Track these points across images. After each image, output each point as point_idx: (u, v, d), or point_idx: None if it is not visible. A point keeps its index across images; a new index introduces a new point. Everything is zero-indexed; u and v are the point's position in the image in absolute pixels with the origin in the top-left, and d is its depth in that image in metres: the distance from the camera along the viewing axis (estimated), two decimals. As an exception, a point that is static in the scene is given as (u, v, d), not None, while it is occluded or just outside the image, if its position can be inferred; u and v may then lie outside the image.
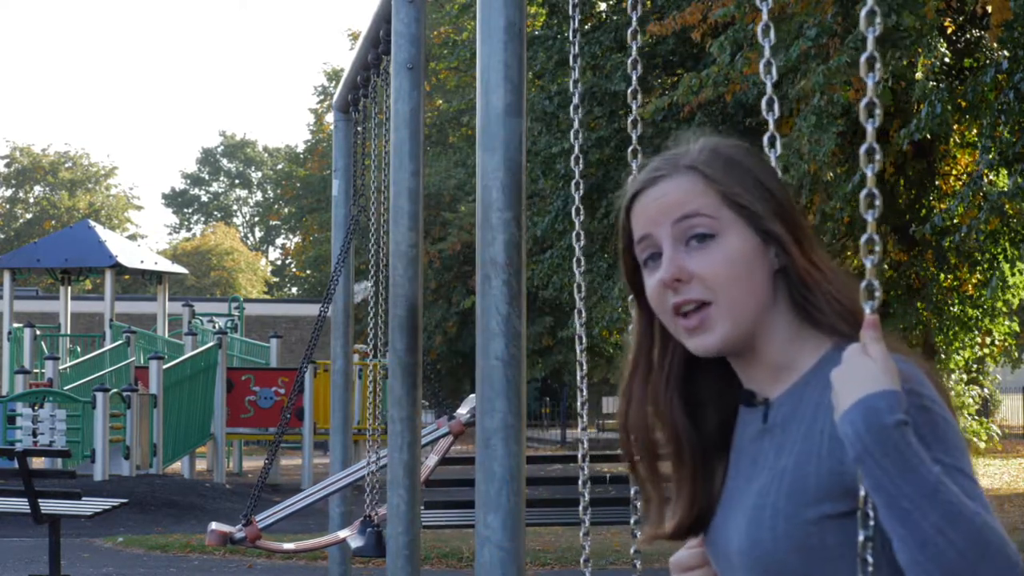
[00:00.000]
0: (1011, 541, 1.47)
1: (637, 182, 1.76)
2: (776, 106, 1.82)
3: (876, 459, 1.46)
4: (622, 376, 1.82)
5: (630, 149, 2.21)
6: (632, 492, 2.37)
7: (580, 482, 2.93)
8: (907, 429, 1.47)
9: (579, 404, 2.84)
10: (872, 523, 1.53)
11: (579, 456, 2.93)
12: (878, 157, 1.56)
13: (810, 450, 1.62)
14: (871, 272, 1.55)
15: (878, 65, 1.57)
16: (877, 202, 1.56)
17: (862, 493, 1.53)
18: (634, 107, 2.28)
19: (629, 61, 2.23)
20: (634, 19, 2.19)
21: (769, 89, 1.84)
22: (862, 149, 1.57)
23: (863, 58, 1.57)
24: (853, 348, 1.55)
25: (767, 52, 1.83)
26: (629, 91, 2.24)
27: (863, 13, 1.58)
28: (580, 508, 2.89)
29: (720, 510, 1.75)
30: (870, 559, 1.53)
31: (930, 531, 1.44)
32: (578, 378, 2.80)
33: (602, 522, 8.59)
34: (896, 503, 1.45)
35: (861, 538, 1.52)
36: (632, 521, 2.34)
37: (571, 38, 2.73)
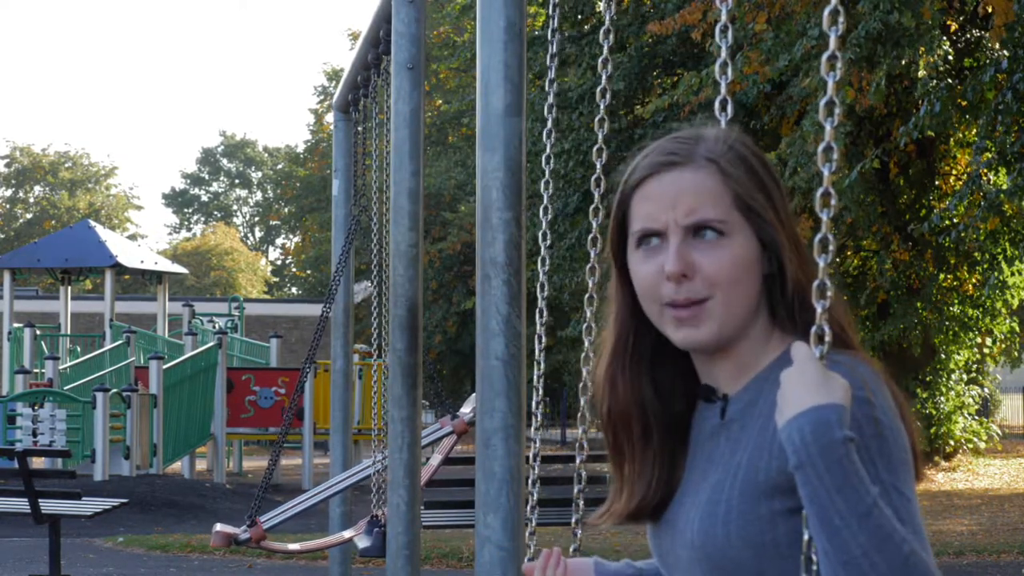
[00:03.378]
0: (937, 571, 1.48)
1: (650, 163, 1.72)
2: (729, 107, 1.81)
3: (817, 471, 1.47)
4: (601, 360, 1.80)
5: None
6: (576, 490, 2.36)
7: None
8: (852, 447, 1.47)
9: (533, 403, 2.87)
10: None
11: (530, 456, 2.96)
12: (835, 156, 1.55)
13: (763, 445, 1.62)
14: (823, 271, 1.55)
15: (839, 64, 1.55)
16: (833, 201, 1.55)
17: None
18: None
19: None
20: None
21: (723, 89, 1.82)
22: (820, 148, 1.55)
23: (824, 57, 1.55)
24: (805, 351, 1.54)
25: (724, 53, 1.81)
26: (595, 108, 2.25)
27: (826, 12, 1.55)
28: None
29: (672, 505, 1.75)
30: (815, 557, 1.52)
31: (856, 552, 1.45)
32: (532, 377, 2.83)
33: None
34: (828, 517, 1.46)
35: (806, 537, 1.52)
36: (573, 520, 2.34)
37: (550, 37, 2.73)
